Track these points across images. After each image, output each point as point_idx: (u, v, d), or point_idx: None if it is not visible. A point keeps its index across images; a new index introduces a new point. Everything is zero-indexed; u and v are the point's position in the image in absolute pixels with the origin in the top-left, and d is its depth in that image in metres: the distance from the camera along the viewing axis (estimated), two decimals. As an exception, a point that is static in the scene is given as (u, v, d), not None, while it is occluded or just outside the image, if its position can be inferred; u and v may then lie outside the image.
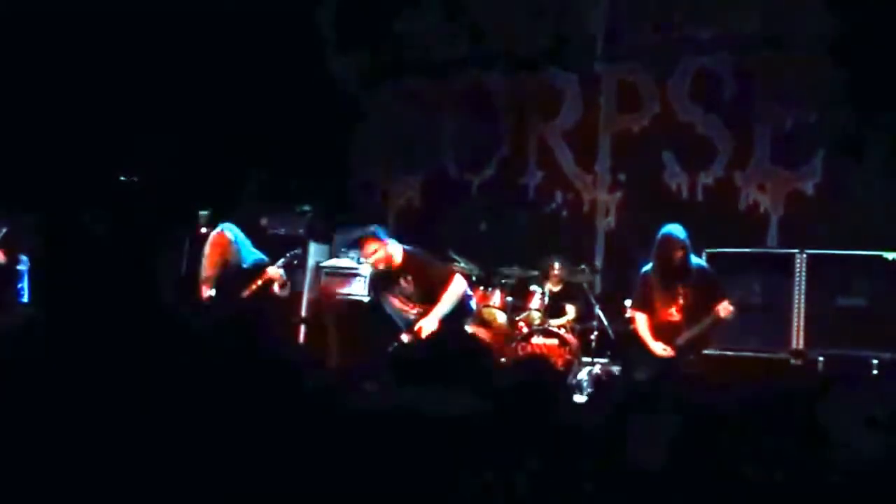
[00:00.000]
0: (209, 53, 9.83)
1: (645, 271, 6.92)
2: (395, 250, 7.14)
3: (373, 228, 7.26)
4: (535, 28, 10.02)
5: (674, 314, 6.76)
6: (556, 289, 8.88)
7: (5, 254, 8.62)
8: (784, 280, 8.00)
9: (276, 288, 7.39)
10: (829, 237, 8.25)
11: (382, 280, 7.32)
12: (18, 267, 8.67)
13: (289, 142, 10.13)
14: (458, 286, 7.06)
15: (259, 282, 7.36)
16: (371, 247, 7.17)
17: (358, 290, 9.50)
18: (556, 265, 8.85)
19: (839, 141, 8.75)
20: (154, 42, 9.70)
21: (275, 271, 7.41)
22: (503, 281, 9.06)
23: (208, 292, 7.46)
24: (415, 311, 7.11)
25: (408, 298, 7.17)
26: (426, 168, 10.65)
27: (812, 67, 8.88)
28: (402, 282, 7.16)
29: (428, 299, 7.04)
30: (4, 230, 8.73)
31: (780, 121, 9.21)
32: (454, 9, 10.34)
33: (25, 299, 8.57)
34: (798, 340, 7.93)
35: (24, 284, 8.64)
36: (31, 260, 8.77)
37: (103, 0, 9.54)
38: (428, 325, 6.91)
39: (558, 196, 10.12)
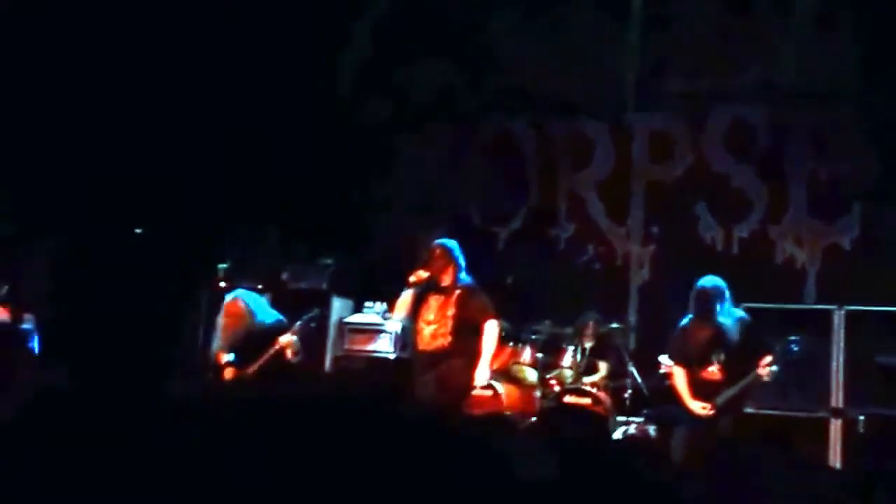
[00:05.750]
0: (229, 103, 10.21)
1: (683, 325, 7.18)
2: (452, 270, 7.41)
3: (453, 242, 7.55)
4: (565, 76, 10.37)
5: (714, 371, 7.04)
6: (589, 345, 9.14)
7: (10, 312, 8.85)
8: (822, 337, 8.29)
9: (288, 355, 7.66)
10: (868, 292, 8.54)
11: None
12: (24, 326, 8.90)
13: (310, 193, 10.48)
14: (495, 329, 7.35)
15: (271, 351, 7.64)
16: (437, 254, 7.45)
17: (383, 347, 9.76)
18: (589, 321, 9.13)
19: (876, 194, 9.08)
20: (169, 94, 10.08)
21: (287, 339, 7.67)
22: (533, 337, 9.33)
23: (226, 358, 7.76)
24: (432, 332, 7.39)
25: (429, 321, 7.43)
26: (450, 218, 10.95)
27: (847, 119, 9.25)
28: (432, 301, 7.43)
29: (460, 329, 7.30)
30: (6, 288, 8.97)
31: (815, 173, 9.58)
32: (481, 56, 10.71)
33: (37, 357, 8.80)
34: (837, 399, 8.18)
35: (35, 343, 8.89)
36: (37, 318, 9.01)
37: (137, 47, 9.92)
38: (483, 376, 7.22)
39: (590, 249, 10.41)
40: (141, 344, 8.67)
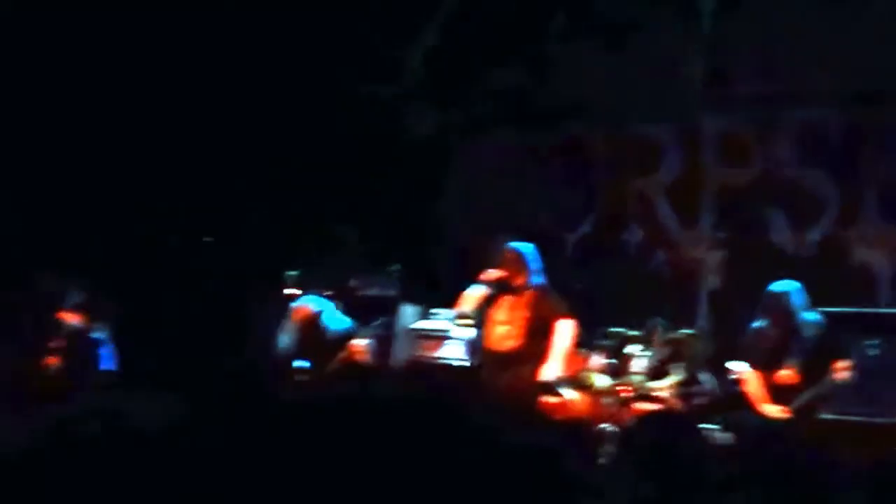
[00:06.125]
0: (298, 111, 10.34)
1: (756, 329, 7.13)
2: (525, 272, 7.41)
3: (527, 245, 7.55)
4: (633, 79, 10.35)
5: (788, 375, 6.98)
6: (659, 351, 9.10)
7: (83, 318, 8.99)
8: (897, 341, 8.18)
9: (358, 361, 7.77)
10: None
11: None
12: (96, 334, 9.04)
13: (378, 200, 10.57)
14: (570, 329, 7.34)
15: (341, 357, 7.74)
16: (510, 257, 7.45)
17: (451, 353, 9.80)
18: (658, 326, 9.10)
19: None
20: (241, 101, 10.23)
21: (359, 344, 7.79)
22: (602, 343, 9.31)
23: (298, 364, 7.87)
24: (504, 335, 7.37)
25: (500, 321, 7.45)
26: (518, 224, 10.97)
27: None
28: (504, 301, 7.42)
29: (532, 330, 7.29)
30: (80, 295, 9.13)
31: (888, 176, 9.43)
32: (547, 61, 10.72)
33: (108, 366, 8.94)
34: (915, 406, 8.06)
35: (105, 351, 9.03)
36: (110, 326, 9.17)
37: (203, 56, 10.10)
38: (552, 371, 7.20)
39: (659, 254, 10.39)
40: (213, 351, 8.81)
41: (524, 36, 10.83)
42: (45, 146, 9.83)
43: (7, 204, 9.61)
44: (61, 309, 8.59)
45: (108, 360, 8.68)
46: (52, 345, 8.30)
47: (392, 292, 10.13)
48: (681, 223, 10.40)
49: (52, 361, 8.27)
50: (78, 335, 8.49)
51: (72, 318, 8.56)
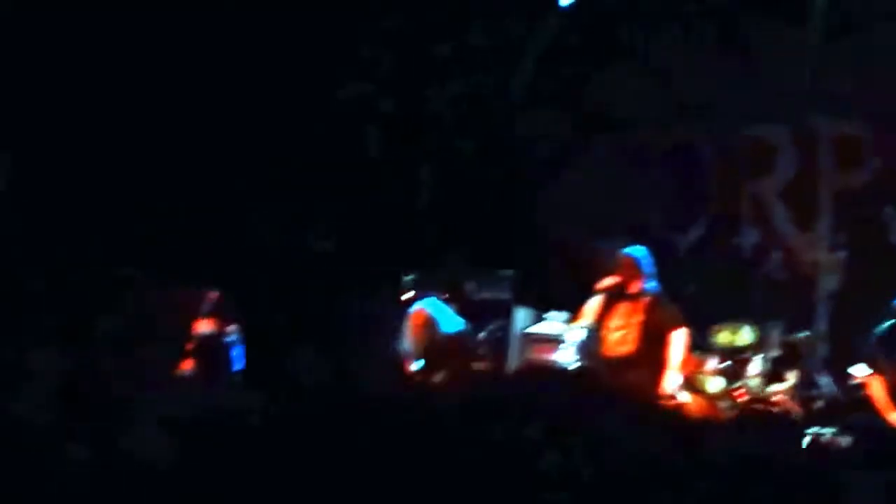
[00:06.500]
0: (422, 120, 10.54)
1: (881, 332, 7.05)
2: (640, 278, 7.49)
3: (641, 250, 7.63)
4: (746, 81, 10.29)
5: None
6: (775, 354, 9.05)
7: (216, 323, 9.39)
8: None
9: (474, 363, 7.93)
10: None
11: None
12: (227, 338, 9.43)
13: (492, 204, 10.70)
14: (684, 338, 7.39)
15: (460, 358, 7.90)
16: (626, 263, 7.52)
17: (565, 356, 9.86)
18: (775, 329, 9.04)
19: None
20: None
21: (475, 347, 7.95)
22: (716, 346, 9.28)
23: (415, 366, 8.06)
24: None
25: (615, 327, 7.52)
26: (630, 227, 10.98)
27: None
28: (620, 308, 7.49)
29: (647, 336, 7.34)
30: (212, 301, 9.53)
31: None
32: (659, 63, 10.72)
33: (237, 368, 9.32)
34: None
35: (235, 353, 9.40)
36: (240, 330, 9.54)
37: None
38: (671, 383, 7.29)
39: (775, 256, 10.30)
40: (335, 353, 9.04)
41: (637, 39, 10.85)
42: (167, 157, 10.20)
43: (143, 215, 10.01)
44: (196, 316, 9.03)
45: (239, 362, 9.07)
46: (188, 349, 8.74)
47: (505, 296, 10.23)
48: (796, 225, 10.30)
49: (188, 365, 8.69)
50: (211, 340, 8.92)
51: (205, 325, 9.02)
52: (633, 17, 10.82)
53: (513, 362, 10.03)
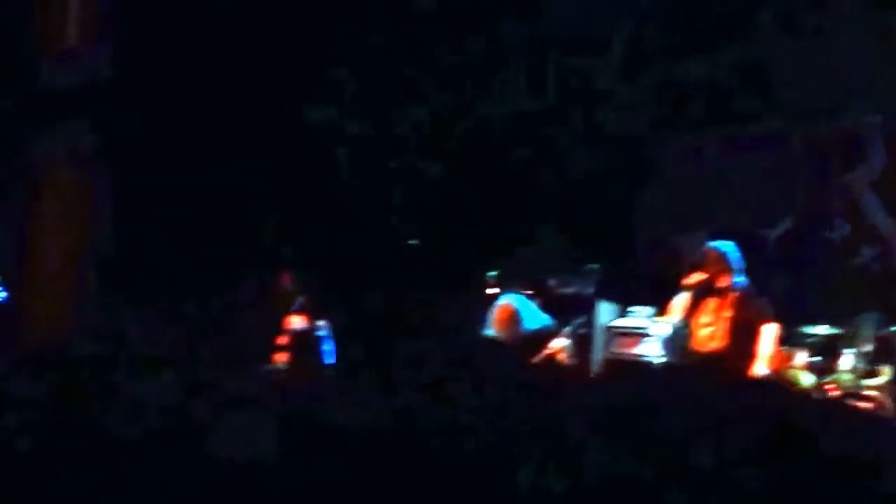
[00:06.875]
0: (498, 112, 10.55)
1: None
2: (729, 273, 7.41)
3: (729, 244, 7.63)
4: (836, 71, 10.12)
5: None
6: (869, 348, 8.88)
7: (307, 319, 9.59)
8: None
9: (559, 359, 7.92)
10: None
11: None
12: (318, 333, 9.63)
13: (575, 201, 10.67)
14: (774, 332, 7.31)
15: (542, 354, 7.90)
16: (713, 257, 7.47)
17: (650, 350, 9.79)
18: (868, 323, 8.87)
19: None
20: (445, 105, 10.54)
21: (559, 343, 7.93)
22: (808, 340, 9.14)
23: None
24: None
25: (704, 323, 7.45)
26: (717, 222, 10.86)
27: None
28: (709, 303, 7.42)
29: (736, 331, 7.27)
30: (304, 298, 9.74)
31: None
32: (747, 57, 10.59)
33: (329, 361, 9.49)
34: None
35: (327, 347, 9.58)
36: (330, 325, 9.71)
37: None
38: (762, 370, 7.23)
39: (867, 249, 10.11)
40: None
41: (723, 31, 10.72)
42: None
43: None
44: (290, 311, 9.27)
45: (330, 356, 9.26)
46: (281, 343, 9.00)
47: (589, 290, 10.21)
48: (890, 216, 10.09)
49: (281, 358, 8.92)
50: (303, 334, 9.15)
51: (297, 320, 9.25)
52: (721, 5, 10.71)
53: (597, 357, 10.01)
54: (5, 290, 9.49)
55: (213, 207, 10.11)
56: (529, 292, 9.04)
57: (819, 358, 9.00)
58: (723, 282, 7.51)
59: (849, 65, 10.10)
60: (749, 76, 10.60)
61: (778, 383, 7.45)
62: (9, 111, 9.16)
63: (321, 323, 9.68)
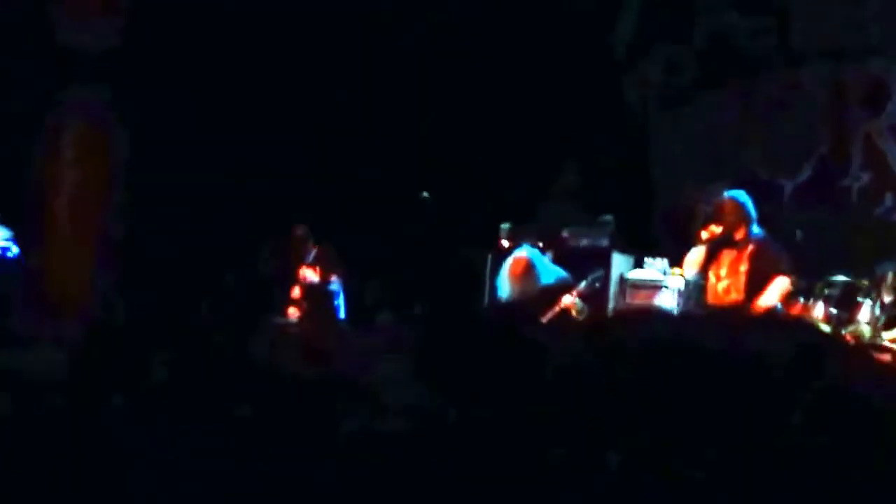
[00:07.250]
0: (518, 69, 10.41)
1: None
2: (745, 224, 7.29)
3: (743, 194, 7.47)
4: (856, 16, 9.93)
5: None
6: (889, 299, 8.76)
7: (319, 273, 9.57)
8: None
9: (573, 314, 7.82)
10: None
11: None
12: (331, 287, 9.60)
13: (590, 152, 10.53)
14: (783, 285, 7.20)
15: (556, 309, 7.80)
16: (729, 208, 7.36)
17: (665, 302, 9.70)
18: (887, 272, 8.74)
19: None
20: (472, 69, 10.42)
21: (571, 300, 7.83)
22: (826, 291, 9.02)
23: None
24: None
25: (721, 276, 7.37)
26: (734, 172, 10.72)
27: None
28: (725, 256, 7.34)
29: (754, 284, 7.19)
30: (315, 251, 9.72)
31: None
32: (765, 3, 10.40)
33: (342, 316, 9.48)
34: None
35: (340, 302, 9.56)
36: (342, 279, 9.69)
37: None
38: None
39: (888, 198, 9.96)
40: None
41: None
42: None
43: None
44: (302, 264, 9.25)
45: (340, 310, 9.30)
46: (293, 296, 9.00)
47: (604, 242, 10.08)
48: (911, 165, 9.95)
49: (293, 311, 8.91)
50: (315, 288, 9.13)
51: (310, 272, 9.23)
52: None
53: (612, 309, 9.90)
54: (17, 245, 9.48)
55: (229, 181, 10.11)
56: (541, 245, 8.93)
57: (838, 310, 8.89)
58: (739, 233, 7.39)
59: (870, 8, 9.92)
60: (770, 20, 10.42)
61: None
62: (28, 72, 9.16)
63: (334, 277, 9.64)
